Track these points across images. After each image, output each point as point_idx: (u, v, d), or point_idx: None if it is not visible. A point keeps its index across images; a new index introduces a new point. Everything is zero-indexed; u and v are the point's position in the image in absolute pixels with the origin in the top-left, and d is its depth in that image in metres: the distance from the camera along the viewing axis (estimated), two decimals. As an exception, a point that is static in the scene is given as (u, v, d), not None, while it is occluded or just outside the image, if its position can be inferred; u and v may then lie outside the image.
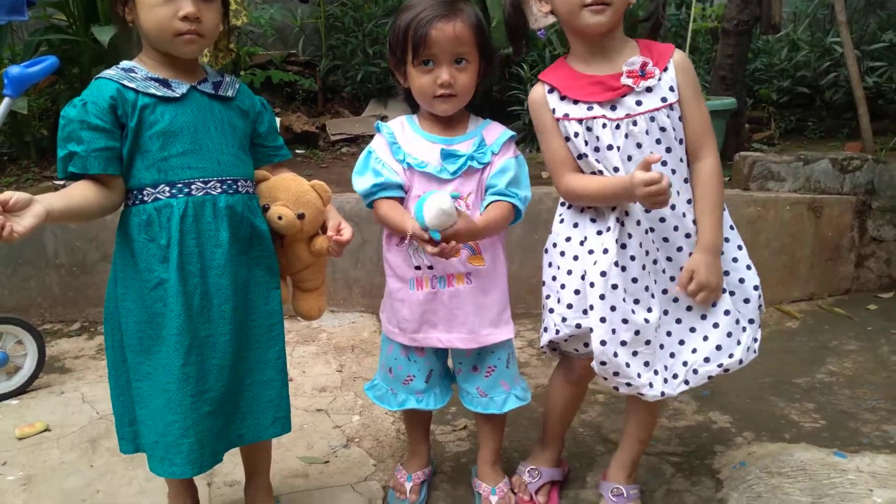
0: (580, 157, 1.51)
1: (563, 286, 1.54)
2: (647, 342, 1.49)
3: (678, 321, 1.54)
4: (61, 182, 3.31)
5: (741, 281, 1.54)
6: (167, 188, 1.34)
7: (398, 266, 1.60)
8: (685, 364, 1.54)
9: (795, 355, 2.54)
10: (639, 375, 1.50)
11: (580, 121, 1.47)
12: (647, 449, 1.94)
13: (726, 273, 1.53)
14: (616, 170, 1.47)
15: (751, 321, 1.54)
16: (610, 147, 1.46)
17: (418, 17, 1.47)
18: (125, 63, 1.38)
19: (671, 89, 1.47)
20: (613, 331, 1.47)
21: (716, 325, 1.53)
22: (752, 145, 3.79)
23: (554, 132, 1.52)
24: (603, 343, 1.47)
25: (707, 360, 1.53)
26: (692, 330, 1.54)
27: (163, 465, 1.37)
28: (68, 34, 3.55)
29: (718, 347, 1.53)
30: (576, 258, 1.54)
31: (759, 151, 3.40)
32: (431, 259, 1.54)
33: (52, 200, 1.24)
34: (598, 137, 1.47)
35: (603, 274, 1.47)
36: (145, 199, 1.35)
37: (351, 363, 2.52)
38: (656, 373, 1.50)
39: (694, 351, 1.54)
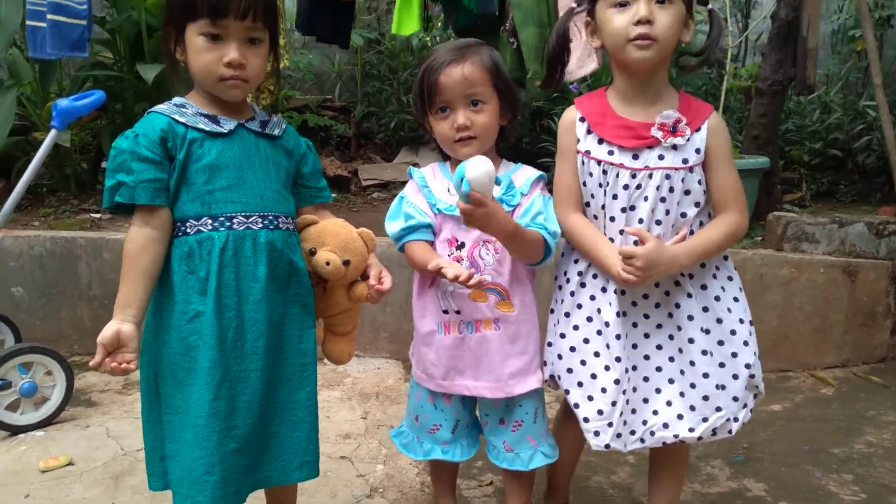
0: (584, 184, 1.52)
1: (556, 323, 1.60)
2: (603, 390, 1.49)
3: (646, 379, 1.53)
4: (97, 215, 3.37)
5: (734, 355, 1.50)
6: (210, 221, 1.35)
7: (427, 310, 1.59)
8: (644, 423, 1.52)
9: (831, 423, 2.46)
10: (586, 420, 1.51)
11: (599, 162, 1.49)
12: (680, 514, 1.88)
13: (720, 343, 1.49)
14: (612, 219, 1.49)
15: (734, 399, 1.49)
16: (616, 196, 1.48)
17: (430, 67, 1.52)
18: (177, 99, 1.41)
19: (697, 151, 1.48)
20: (570, 370, 1.53)
21: (682, 394, 1.50)
22: (784, 206, 3.76)
23: (570, 159, 1.54)
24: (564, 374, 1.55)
25: (666, 426, 1.51)
26: (657, 391, 1.52)
27: (186, 502, 1.34)
28: (114, 71, 3.64)
29: (680, 417, 1.50)
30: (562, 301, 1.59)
31: (791, 212, 3.37)
32: (459, 303, 1.53)
33: (129, 305, 1.33)
34: (609, 182, 1.48)
35: (574, 323, 1.55)
36: (188, 231, 1.36)
37: (375, 410, 2.48)
38: (610, 425, 1.49)
39: (655, 413, 1.51)
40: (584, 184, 1.52)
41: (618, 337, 1.49)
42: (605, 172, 1.48)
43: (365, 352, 2.92)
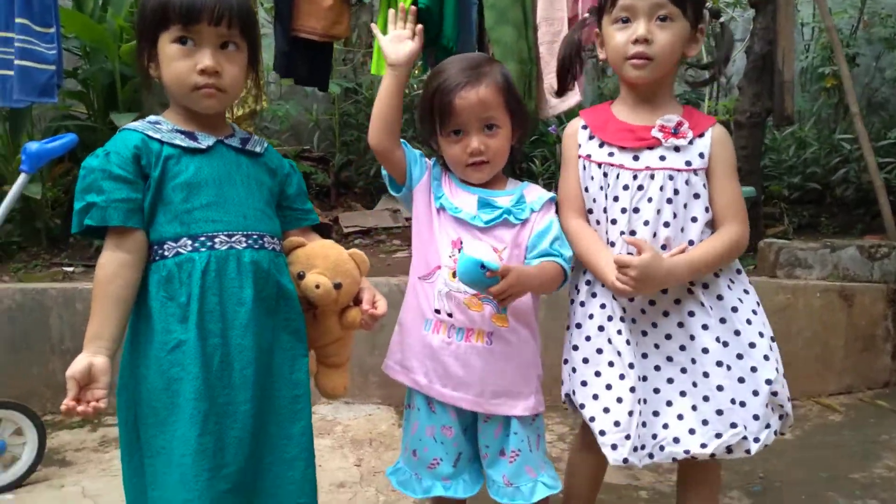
0: (586, 189, 1.49)
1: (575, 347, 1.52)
2: (619, 399, 1.41)
3: (656, 391, 1.45)
4: (70, 268, 3.24)
5: (753, 370, 1.41)
6: (189, 242, 1.26)
7: (420, 301, 1.50)
8: (654, 437, 1.43)
9: (845, 449, 2.37)
10: (602, 433, 1.41)
11: (599, 164, 1.46)
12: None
13: (739, 356, 1.41)
14: (614, 221, 1.45)
15: (755, 417, 1.40)
16: (616, 198, 1.44)
17: (442, 87, 1.45)
18: (151, 116, 1.34)
19: (700, 156, 1.45)
20: (584, 382, 1.46)
21: (694, 408, 1.42)
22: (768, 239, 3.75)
23: (573, 167, 1.52)
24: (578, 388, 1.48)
25: (676, 440, 1.42)
26: (669, 404, 1.44)
27: None
28: (87, 123, 3.57)
29: (692, 431, 1.42)
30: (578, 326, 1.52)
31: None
32: (452, 307, 1.45)
33: (101, 336, 1.24)
34: (609, 185, 1.45)
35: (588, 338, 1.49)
36: (166, 254, 1.26)
37: (370, 457, 2.34)
38: (628, 437, 1.39)
39: (666, 426, 1.43)
40: (587, 189, 1.49)
41: (628, 343, 1.43)
42: (605, 175, 1.46)
43: (354, 398, 2.78)
